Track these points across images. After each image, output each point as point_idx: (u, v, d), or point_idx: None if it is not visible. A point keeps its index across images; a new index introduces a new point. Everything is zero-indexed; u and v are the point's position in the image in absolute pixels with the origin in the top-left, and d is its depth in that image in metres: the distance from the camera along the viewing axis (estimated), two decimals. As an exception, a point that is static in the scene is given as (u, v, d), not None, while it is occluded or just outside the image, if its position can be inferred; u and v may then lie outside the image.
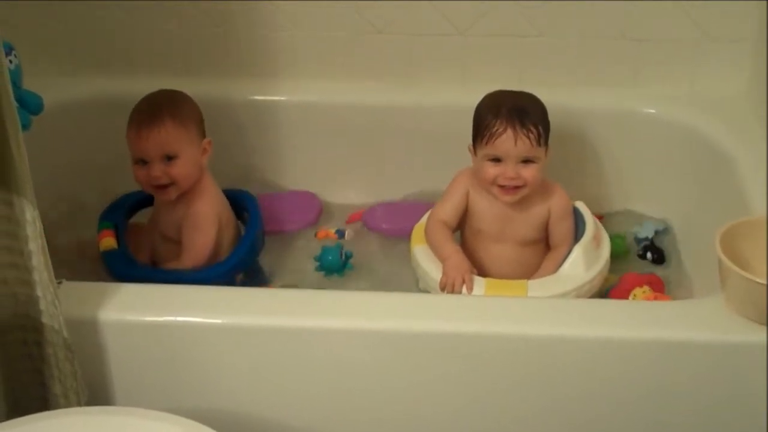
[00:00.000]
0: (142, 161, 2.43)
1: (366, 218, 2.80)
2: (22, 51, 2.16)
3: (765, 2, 2.57)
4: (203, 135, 2.49)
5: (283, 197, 2.88)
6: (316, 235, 2.79)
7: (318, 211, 2.86)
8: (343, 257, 2.63)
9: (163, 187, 2.45)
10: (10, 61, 2.07)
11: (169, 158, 2.41)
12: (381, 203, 2.85)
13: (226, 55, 2.82)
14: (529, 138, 2.34)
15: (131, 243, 2.56)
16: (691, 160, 2.68)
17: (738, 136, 2.57)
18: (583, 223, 2.47)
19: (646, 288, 2.45)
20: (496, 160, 2.38)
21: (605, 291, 2.48)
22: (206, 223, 2.47)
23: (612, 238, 2.57)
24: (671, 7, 2.66)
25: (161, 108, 2.43)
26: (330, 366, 2.05)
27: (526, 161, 2.37)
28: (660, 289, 2.51)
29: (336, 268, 2.62)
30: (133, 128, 2.42)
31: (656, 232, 2.73)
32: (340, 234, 2.77)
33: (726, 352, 1.98)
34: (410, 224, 2.62)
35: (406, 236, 2.60)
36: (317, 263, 2.64)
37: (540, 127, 2.37)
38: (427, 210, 2.61)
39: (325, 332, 2.02)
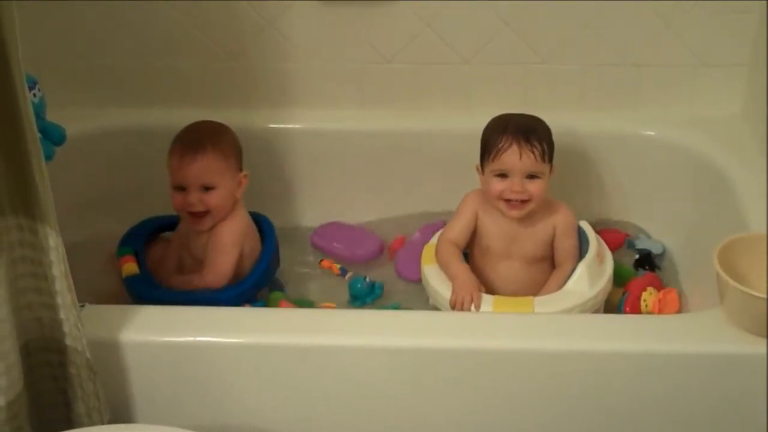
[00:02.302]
0: (180, 188, 2.43)
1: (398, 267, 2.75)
2: (46, 85, 2.17)
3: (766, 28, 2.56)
4: (241, 168, 2.49)
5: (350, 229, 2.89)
6: (320, 263, 2.76)
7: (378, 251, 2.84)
8: (367, 285, 2.64)
9: (199, 216, 2.45)
10: (34, 95, 2.08)
11: (207, 188, 2.42)
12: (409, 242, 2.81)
13: (243, 87, 2.82)
14: (533, 153, 2.34)
15: (155, 258, 2.56)
16: (690, 180, 2.67)
17: (734, 156, 2.57)
18: (587, 241, 2.46)
19: (651, 290, 2.47)
20: (503, 175, 2.38)
21: (619, 304, 2.48)
22: (229, 244, 2.47)
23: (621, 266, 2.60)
24: (669, 34, 2.66)
25: (204, 138, 2.43)
26: (344, 382, 2.04)
27: (532, 176, 2.37)
28: (660, 285, 2.54)
29: (364, 294, 2.62)
30: (176, 156, 2.42)
31: (652, 253, 2.72)
32: (343, 272, 2.72)
33: (726, 364, 1.97)
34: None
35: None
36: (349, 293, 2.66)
37: (544, 144, 2.37)
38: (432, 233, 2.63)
39: (338, 349, 2.01)
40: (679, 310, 2.43)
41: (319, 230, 2.87)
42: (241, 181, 2.48)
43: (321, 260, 2.77)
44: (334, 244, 2.81)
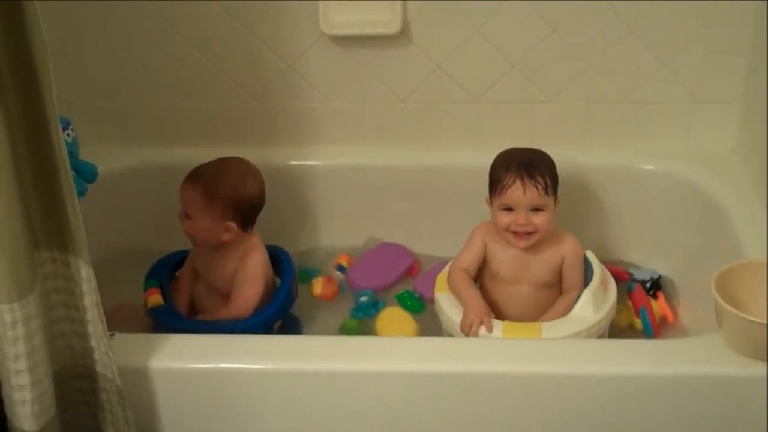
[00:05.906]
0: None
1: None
2: (80, 125, 2.16)
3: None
4: (232, 218, 2.42)
5: (376, 252, 2.87)
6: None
7: (410, 264, 2.83)
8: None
9: None
10: (68, 135, 2.08)
11: (188, 215, 2.42)
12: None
13: (265, 126, 2.81)
14: (536, 188, 2.33)
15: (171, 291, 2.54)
16: (687, 211, 2.65)
17: (729, 187, 2.56)
18: (591, 269, 2.43)
19: (653, 301, 2.58)
20: (509, 209, 2.37)
21: (644, 321, 2.51)
22: (256, 277, 2.44)
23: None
24: (666, 74, 2.65)
25: (202, 175, 2.42)
26: (364, 406, 2.03)
27: (536, 209, 2.35)
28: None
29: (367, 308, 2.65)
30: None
31: (651, 279, 2.70)
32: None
33: (725, 386, 1.96)
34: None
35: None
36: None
37: (547, 178, 2.36)
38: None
39: (358, 375, 2.01)
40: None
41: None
42: (227, 228, 2.42)
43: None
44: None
